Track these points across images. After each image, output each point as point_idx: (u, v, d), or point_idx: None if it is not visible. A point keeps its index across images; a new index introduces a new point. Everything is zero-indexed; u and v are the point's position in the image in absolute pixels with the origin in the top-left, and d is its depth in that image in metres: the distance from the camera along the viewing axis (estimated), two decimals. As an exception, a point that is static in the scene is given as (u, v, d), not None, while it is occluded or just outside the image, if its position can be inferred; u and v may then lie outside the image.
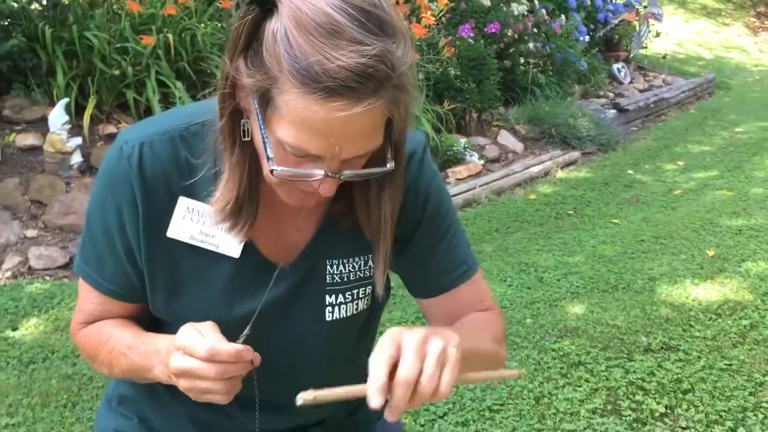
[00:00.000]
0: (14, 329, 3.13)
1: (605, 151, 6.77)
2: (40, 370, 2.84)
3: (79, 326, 1.00)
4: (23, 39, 4.58)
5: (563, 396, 2.65)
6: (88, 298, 0.98)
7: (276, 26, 0.73)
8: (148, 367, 0.90)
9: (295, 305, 0.96)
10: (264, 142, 0.78)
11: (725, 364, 2.81)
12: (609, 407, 2.58)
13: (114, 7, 5.06)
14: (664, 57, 10.63)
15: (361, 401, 1.16)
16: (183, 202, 0.89)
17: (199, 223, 0.90)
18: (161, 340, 0.89)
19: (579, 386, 2.71)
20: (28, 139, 4.49)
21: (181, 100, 4.68)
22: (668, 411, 2.54)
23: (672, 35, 12.83)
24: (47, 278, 3.66)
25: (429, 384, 0.73)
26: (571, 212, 5.02)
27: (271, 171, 0.79)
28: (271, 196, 0.90)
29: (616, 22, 9.25)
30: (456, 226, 1.05)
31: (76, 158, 4.39)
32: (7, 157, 4.39)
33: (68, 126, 4.38)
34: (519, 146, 6.51)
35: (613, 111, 7.89)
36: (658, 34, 10.70)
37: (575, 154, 6.49)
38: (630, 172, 6.05)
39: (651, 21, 9.61)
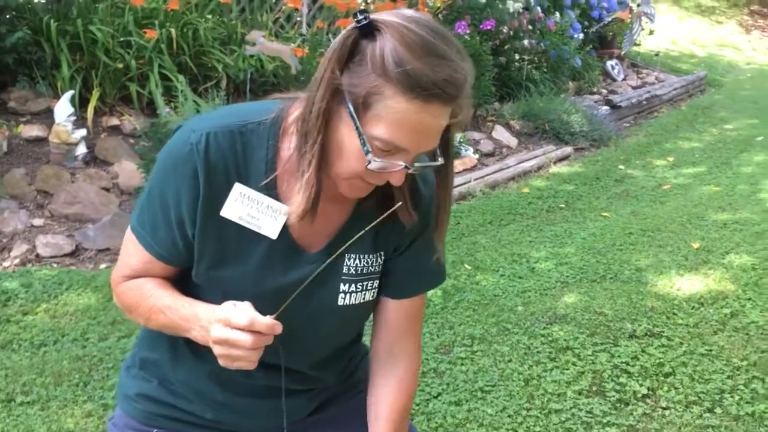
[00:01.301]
0: (25, 314, 3.25)
1: (597, 146, 6.91)
2: (52, 352, 2.97)
3: (122, 278, 1.14)
4: (28, 32, 4.68)
5: (551, 378, 2.79)
6: (135, 255, 1.11)
7: (382, 45, 0.92)
8: (186, 328, 1.05)
9: (314, 289, 1.09)
10: (361, 138, 0.94)
11: (706, 350, 2.96)
12: (594, 389, 2.72)
13: (117, 1, 5.16)
14: (657, 54, 10.76)
15: (358, 365, 1.34)
16: (237, 188, 1.04)
17: (248, 207, 1.04)
18: (200, 307, 1.04)
19: (566, 369, 2.85)
20: (33, 131, 4.60)
21: (183, 94, 4.78)
22: (650, 392, 2.69)
23: (666, 33, 12.97)
24: (54, 265, 3.78)
25: None
26: (563, 206, 5.16)
27: (368, 163, 0.95)
28: None
29: (609, 19, 9.38)
30: (442, 240, 1.20)
31: (81, 149, 4.50)
32: (13, 147, 4.50)
33: (73, 118, 4.49)
34: (513, 141, 6.65)
35: (606, 107, 8.02)
36: (651, 32, 10.84)
37: (568, 150, 6.62)
38: (621, 167, 6.19)
39: (644, 19, 9.74)
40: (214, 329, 0.97)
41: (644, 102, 8.70)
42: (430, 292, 1.51)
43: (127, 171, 4.50)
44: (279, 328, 0.97)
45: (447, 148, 1.03)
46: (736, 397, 2.63)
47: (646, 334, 3.10)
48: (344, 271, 1.12)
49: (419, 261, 1.17)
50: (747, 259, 3.86)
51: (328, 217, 1.09)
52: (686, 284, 3.59)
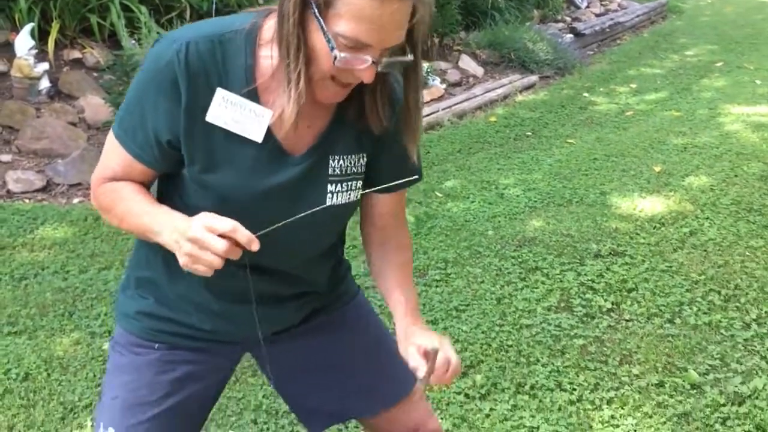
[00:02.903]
0: (2, 248, 3.27)
1: (562, 74, 6.97)
2: (33, 285, 3.00)
3: (102, 180, 1.19)
4: (-18, -38, 4.51)
5: (522, 296, 2.93)
6: (115, 158, 1.16)
7: None
8: (158, 231, 1.09)
9: (303, 189, 1.16)
10: (326, 36, 0.99)
11: (666, 266, 3.12)
12: (562, 305, 2.87)
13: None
14: (621, -19, 10.74)
15: (342, 277, 1.41)
16: (220, 93, 1.08)
17: (231, 111, 1.09)
18: (177, 215, 1.09)
19: (536, 288, 2.99)
20: (-7, 65, 4.49)
21: (147, 25, 4.70)
22: (614, 307, 2.85)
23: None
24: (27, 201, 3.77)
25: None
26: (530, 133, 5.25)
27: (334, 58, 0.99)
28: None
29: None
30: (418, 136, 1.26)
31: (44, 83, 4.42)
32: (-27, 82, 4.40)
33: (35, 51, 4.39)
34: (479, 70, 6.68)
35: (570, 35, 8.06)
36: (614, -42, 10.78)
37: (533, 78, 6.68)
38: (585, 94, 6.28)
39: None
40: (193, 228, 1.01)
41: (607, 29, 8.75)
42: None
43: (93, 105, 4.44)
44: (256, 245, 1.02)
45: (414, 46, 1.07)
46: (695, 309, 2.81)
47: (610, 253, 3.26)
48: (330, 172, 1.17)
49: (399, 158, 1.22)
50: (705, 180, 4.03)
51: (311, 121, 1.14)
52: (648, 206, 3.74)
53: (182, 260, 1.03)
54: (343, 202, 1.20)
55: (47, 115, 4.31)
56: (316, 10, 0.99)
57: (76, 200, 3.83)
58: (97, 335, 2.68)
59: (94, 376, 2.45)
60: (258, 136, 1.11)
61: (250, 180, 1.13)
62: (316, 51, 1.02)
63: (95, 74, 4.76)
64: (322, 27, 0.99)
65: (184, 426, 1.33)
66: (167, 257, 1.21)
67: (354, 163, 1.20)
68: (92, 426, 2.22)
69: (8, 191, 3.81)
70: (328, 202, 1.18)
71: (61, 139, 4.16)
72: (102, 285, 3.00)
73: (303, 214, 1.10)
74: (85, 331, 2.69)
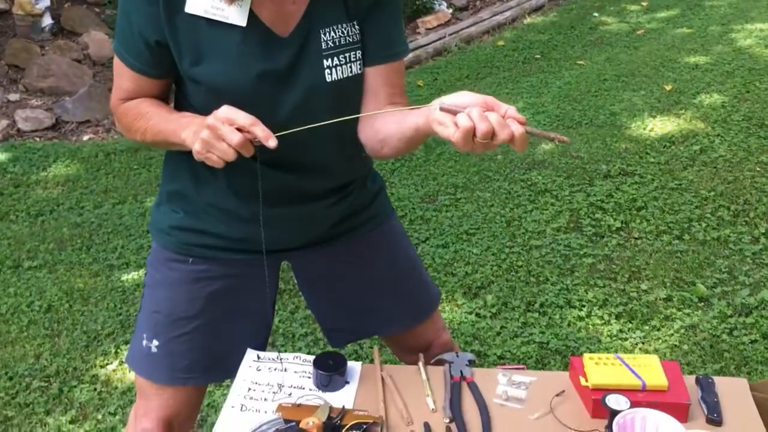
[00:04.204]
0: (17, 186, 3.31)
1: (571, -5, 6.80)
2: (50, 220, 3.06)
3: (119, 102, 1.20)
4: None
5: (531, 218, 2.96)
6: (122, 75, 1.18)
7: None
8: (179, 131, 1.09)
9: (299, 69, 1.14)
10: None
11: (676, 184, 3.12)
12: (572, 225, 2.90)
13: None
14: None
15: (376, 193, 1.35)
16: None
17: None
18: (197, 116, 1.09)
19: (545, 210, 3.01)
20: (-6, 3, 4.44)
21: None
22: (623, 225, 2.87)
23: None
24: (37, 139, 3.80)
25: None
26: (539, 56, 5.17)
27: None
28: None
29: None
30: (401, 10, 1.24)
31: (47, 20, 4.39)
32: (-25, 22, 4.37)
33: (35, -13, 4.33)
34: (486, -7, 6.52)
35: (580, -46, 7.82)
36: None
37: (542, 0, 6.52)
38: (595, 14, 6.14)
39: None
40: (212, 118, 1.00)
41: (618, -54, 8.47)
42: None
43: (97, 41, 4.41)
44: (274, 142, 1.00)
45: None
46: (704, 225, 2.83)
47: (619, 173, 3.26)
48: (323, 47, 1.14)
49: (389, 23, 1.20)
50: (717, 97, 3.98)
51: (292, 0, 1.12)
52: (658, 125, 3.72)
53: (196, 147, 1.03)
54: (345, 75, 1.16)
55: (52, 52, 4.29)
56: None
57: (86, 137, 3.85)
58: (115, 267, 2.74)
59: (115, 306, 2.52)
60: (241, 20, 1.09)
61: (241, 66, 1.11)
62: None
63: (97, 9, 4.71)
64: None
65: (231, 338, 1.33)
66: (193, 166, 1.22)
67: (346, 33, 1.16)
68: (116, 352, 2.30)
69: (18, 130, 3.83)
70: (328, 78, 1.15)
71: (67, 77, 4.15)
72: (117, 219, 3.05)
73: (331, 122, 1.07)
74: (103, 263, 2.76)
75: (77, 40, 4.45)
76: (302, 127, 1.06)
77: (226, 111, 1.01)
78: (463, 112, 0.94)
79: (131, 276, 2.68)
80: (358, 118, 1.21)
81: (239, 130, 1.00)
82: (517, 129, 0.94)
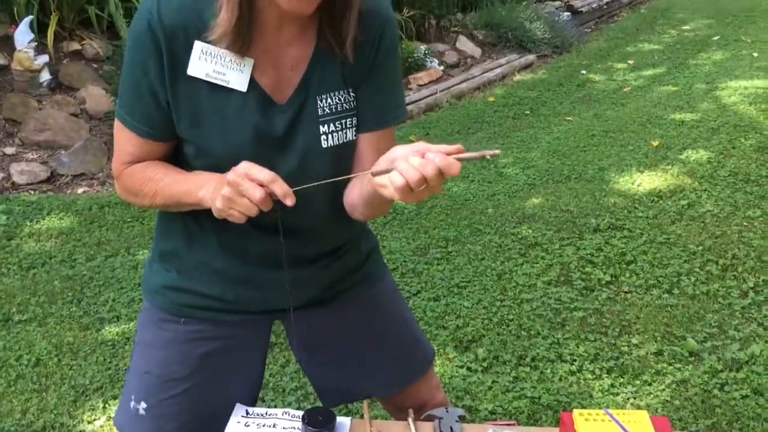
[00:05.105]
0: (9, 239, 3.32)
1: (560, 53, 6.97)
2: (41, 273, 3.06)
3: (123, 166, 1.20)
4: (-22, -44, 4.53)
5: (522, 272, 2.98)
6: (126, 140, 1.18)
7: None
8: (195, 191, 1.10)
9: (295, 134, 1.16)
10: None
11: (664, 238, 3.16)
12: (562, 279, 2.91)
13: None
14: (617, -43, 10.69)
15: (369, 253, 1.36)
16: (198, 45, 1.09)
17: (212, 63, 1.10)
18: (213, 173, 1.11)
19: (536, 263, 3.04)
20: (-7, 59, 4.52)
21: (144, 15, 4.71)
22: (613, 279, 2.89)
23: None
24: (32, 192, 3.82)
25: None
26: (528, 112, 5.27)
27: None
28: (270, 37, 1.11)
29: None
30: (400, 76, 1.26)
31: (45, 76, 4.46)
32: (-26, 77, 4.44)
33: (34, 44, 4.41)
34: (477, 51, 6.68)
35: (568, 13, 8.04)
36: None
37: (531, 57, 6.68)
38: (583, 72, 6.29)
39: None
40: (232, 174, 1.02)
41: (604, 6, 8.72)
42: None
43: (95, 96, 4.48)
44: (292, 200, 1.02)
45: None
46: (693, 279, 2.85)
47: (609, 227, 3.29)
48: (320, 113, 1.16)
49: (384, 90, 1.21)
50: (703, 153, 4.05)
51: (290, 63, 1.15)
52: (646, 180, 3.78)
53: (218, 204, 1.03)
54: (340, 141, 1.18)
55: (49, 107, 4.35)
56: None
57: (80, 190, 3.88)
58: (106, 320, 2.73)
59: (104, 360, 2.51)
60: (242, 86, 1.11)
61: (239, 131, 1.13)
62: None
63: (95, 65, 4.79)
64: None
65: (222, 399, 1.32)
66: (185, 224, 1.23)
67: (343, 100, 1.18)
68: (104, 407, 2.28)
69: (13, 183, 3.86)
70: (324, 144, 1.17)
71: (64, 131, 4.19)
72: (109, 272, 3.05)
73: (344, 177, 1.09)
74: (93, 317, 2.75)
75: (75, 94, 4.52)
76: (316, 183, 1.08)
77: (246, 167, 1.03)
78: (394, 170, 0.96)
79: (121, 329, 2.67)
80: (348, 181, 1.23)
81: (259, 185, 1.01)
82: (441, 160, 0.93)
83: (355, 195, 1.17)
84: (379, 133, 1.22)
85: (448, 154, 0.94)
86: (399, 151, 0.97)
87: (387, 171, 0.97)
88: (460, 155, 0.95)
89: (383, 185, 0.98)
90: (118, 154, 1.20)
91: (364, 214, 1.20)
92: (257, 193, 1.00)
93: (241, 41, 1.08)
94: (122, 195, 1.24)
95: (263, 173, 1.02)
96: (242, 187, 1.01)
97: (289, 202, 1.02)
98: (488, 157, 0.95)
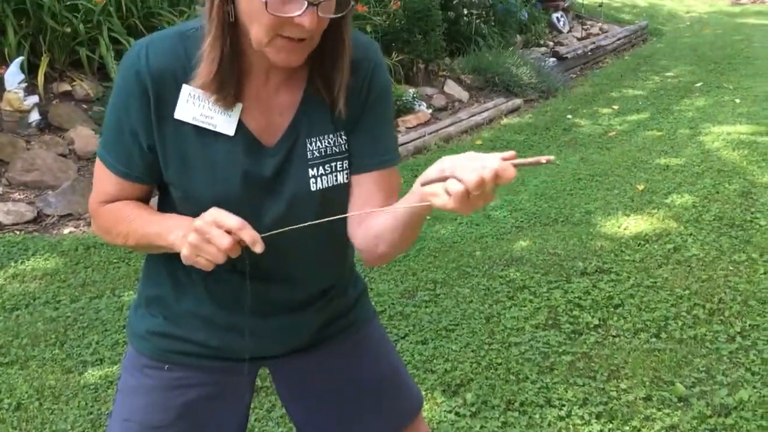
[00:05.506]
0: (-7, 280, 3.28)
1: (546, 97, 7.09)
2: (25, 315, 3.02)
3: (99, 204, 1.20)
4: (-30, -2, 4.57)
5: (510, 315, 2.97)
6: (104, 179, 1.18)
7: None
8: (166, 234, 1.09)
9: (284, 177, 1.16)
10: None
11: (651, 282, 3.17)
12: (550, 322, 2.91)
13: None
14: (600, 6, 10.97)
15: (357, 299, 1.35)
16: (186, 89, 1.10)
17: (199, 107, 1.11)
18: (184, 217, 1.10)
19: (524, 306, 3.03)
20: (-17, 99, 4.52)
21: (135, 57, 4.76)
22: (601, 323, 2.89)
23: (608, -16, 13.16)
24: (18, 232, 3.79)
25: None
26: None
27: (266, 4, 0.99)
28: (259, 83, 1.12)
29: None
30: (392, 119, 1.27)
31: (34, 116, 4.47)
32: (-37, 117, 4.44)
33: (24, 84, 4.43)
34: (465, 95, 6.77)
35: (553, 59, 8.20)
36: (594, -16, 11.03)
37: (518, 101, 6.78)
38: (569, 116, 6.38)
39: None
40: (200, 221, 1.00)
41: (589, 53, 8.91)
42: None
43: (83, 136, 4.49)
44: (260, 247, 1.00)
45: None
46: (680, 323, 2.85)
47: (596, 270, 3.30)
48: (309, 156, 1.15)
49: (381, 130, 1.21)
50: (688, 198, 4.10)
51: (279, 108, 1.15)
52: (632, 223, 3.80)
53: (184, 251, 1.02)
54: (330, 184, 1.17)
55: (37, 147, 4.35)
56: None
57: (66, 230, 3.85)
58: (89, 364, 2.69)
59: (86, 404, 2.46)
60: (229, 130, 1.12)
61: (226, 175, 1.12)
62: (252, 10, 1.02)
63: (85, 106, 4.81)
64: None
65: None
66: (174, 271, 1.22)
67: (333, 143, 1.18)
68: (85, 453, 2.23)
69: (-1, 223, 3.83)
70: (312, 187, 1.16)
71: (52, 171, 4.19)
72: (93, 314, 3.01)
73: (318, 221, 1.08)
74: (76, 360, 2.71)
75: (63, 135, 4.52)
76: (286, 228, 1.07)
77: (213, 213, 1.01)
78: (450, 178, 0.93)
79: (104, 372, 2.63)
80: (345, 225, 1.22)
81: (227, 232, 1.00)
82: (498, 164, 0.91)
83: (380, 227, 1.14)
84: (384, 172, 1.21)
85: (504, 159, 0.92)
86: (448, 162, 0.95)
87: (441, 179, 0.94)
88: (515, 161, 0.93)
89: (435, 194, 0.95)
90: (95, 193, 1.21)
91: (390, 243, 1.15)
92: (225, 241, 0.99)
93: (225, 91, 1.09)
94: (97, 232, 1.23)
95: (232, 220, 1.00)
96: (209, 235, 1.00)
97: (258, 248, 1.01)
98: (543, 162, 0.93)
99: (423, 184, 0.97)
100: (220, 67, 1.06)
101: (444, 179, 0.94)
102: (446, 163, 0.95)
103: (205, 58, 1.07)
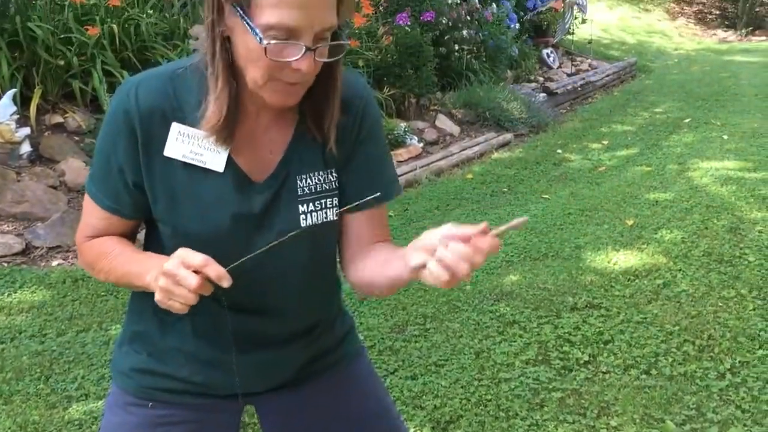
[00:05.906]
0: (-21, 312, 3.24)
1: (536, 132, 7.15)
2: (10, 348, 2.98)
3: (85, 238, 1.21)
4: (-35, 30, 4.61)
5: (500, 350, 2.96)
6: (92, 213, 1.18)
7: None
8: (144, 275, 1.08)
9: (273, 213, 1.16)
10: (253, 30, 1.00)
11: (641, 318, 3.17)
12: (540, 358, 2.90)
13: (56, -3, 5.11)
14: (590, 42, 11.13)
15: (345, 334, 1.36)
16: (175, 127, 1.11)
17: (189, 144, 1.11)
18: (160, 257, 1.10)
19: (514, 341, 3.02)
20: (-26, 130, 4.52)
21: (128, 89, 4.78)
22: (591, 359, 2.88)
23: (597, 21, 13.38)
24: (5, 264, 3.76)
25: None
26: (506, 189, 5.35)
27: (265, 49, 1.00)
28: (250, 121, 1.13)
29: (543, 9, 9.67)
30: (387, 151, 1.28)
31: (26, 148, 4.47)
32: (-46, 148, 4.43)
33: (16, 116, 4.44)
34: (456, 129, 6.83)
35: (543, 94, 8.30)
36: (584, 21, 11.21)
37: (508, 136, 6.84)
38: (559, 151, 6.43)
39: (575, 9, 10.07)
40: (168, 263, 1.00)
41: (579, 88, 9.02)
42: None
43: (74, 168, 4.48)
44: (227, 282, 0.99)
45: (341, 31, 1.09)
46: (670, 359, 2.84)
47: (586, 305, 3.30)
48: (299, 192, 1.16)
49: (371, 170, 1.22)
50: (677, 233, 4.12)
51: (270, 145, 1.16)
52: (622, 258, 3.81)
53: (157, 296, 1.02)
54: (320, 221, 1.18)
55: (28, 179, 4.34)
56: (237, 9, 1.01)
57: (55, 263, 3.83)
58: (74, 399, 2.65)
59: (71, 440, 2.42)
60: (219, 166, 1.12)
61: (216, 211, 1.13)
62: (249, 52, 1.03)
63: (76, 138, 4.82)
64: (246, 21, 1.00)
65: None
66: (157, 308, 1.19)
67: (323, 180, 1.19)
68: (68, 491, 2.18)
69: (-14, 255, 3.80)
70: (302, 223, 1.16)
71: (41, 203, 4.17)
72: (80, 348, 2.98)
73: (275, 242, 1.08)
74: (61, 395, 2.67)
75: (54, 167, 4.52)
76: (250, 255, 1.07)
77: (180, 254, 1.01)
78: (436, 262, 0.97)
79: (89, 407, 2.59)
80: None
81: (195, 272, 0.99)
82: (488, 244, 0.96)
83: (375, 274, 1.17)
84: (375, 211, 1.23)
85: (483, 233, 0.95)
86: (429, 239, 0.99)
87: (425, 263, 0.98)
88: (496, 231, 0.97)
89: (426, 274, 0.99)
90: (82, 226, 1.22)
91: (383, 293, 1.20)
92: (193, 281, 0.98)
93: (227, 132, 1.10)
94: (82, 266, 1.24)
95: (196, 257, 1.00)
96: (178, 276, 0.99)
97: (225, 283, 1.00)
98: (519, 227, 0.97)
99: (413, 269, 1.01)
100: (228, 110, 1.08)
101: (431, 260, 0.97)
102: (429, 241, 1.00)
103: (213, 102, 1.08)
